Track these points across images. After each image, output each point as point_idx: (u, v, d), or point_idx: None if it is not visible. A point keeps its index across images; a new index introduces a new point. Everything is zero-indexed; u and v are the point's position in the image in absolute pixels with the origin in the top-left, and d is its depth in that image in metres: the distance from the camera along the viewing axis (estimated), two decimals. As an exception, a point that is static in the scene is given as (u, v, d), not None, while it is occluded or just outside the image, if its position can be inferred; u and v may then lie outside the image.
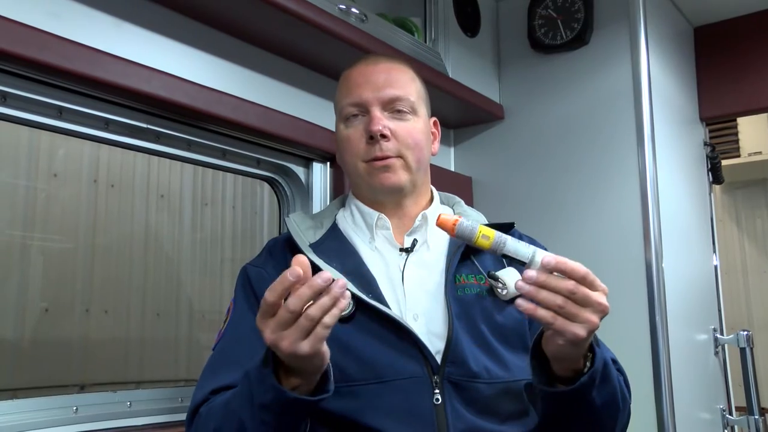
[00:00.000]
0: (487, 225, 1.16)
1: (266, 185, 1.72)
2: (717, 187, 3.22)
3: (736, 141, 3.65)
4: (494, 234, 0.89)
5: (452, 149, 2.18)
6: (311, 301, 0.80)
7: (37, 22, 1.09)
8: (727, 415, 2.06)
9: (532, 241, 1.23)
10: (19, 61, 1.07)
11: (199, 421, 0.98)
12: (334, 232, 1.16)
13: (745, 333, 2.03)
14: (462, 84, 1.92)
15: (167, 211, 2.82)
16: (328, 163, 1.68)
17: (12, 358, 2.30)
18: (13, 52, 1.04)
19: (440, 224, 0.90)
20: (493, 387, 1.02)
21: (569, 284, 0.84)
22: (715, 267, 2.21)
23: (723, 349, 2.12)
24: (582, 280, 0.85)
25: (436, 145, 1.23)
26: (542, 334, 0.93)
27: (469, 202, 1.46)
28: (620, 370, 1.09)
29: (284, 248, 1.15)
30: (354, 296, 1.01)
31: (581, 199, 1.91)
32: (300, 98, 1.63)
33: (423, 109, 1.17)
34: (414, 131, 1.13)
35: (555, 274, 0.85)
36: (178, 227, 2.87)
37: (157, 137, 1.38)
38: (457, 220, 0.89)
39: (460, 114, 2.06)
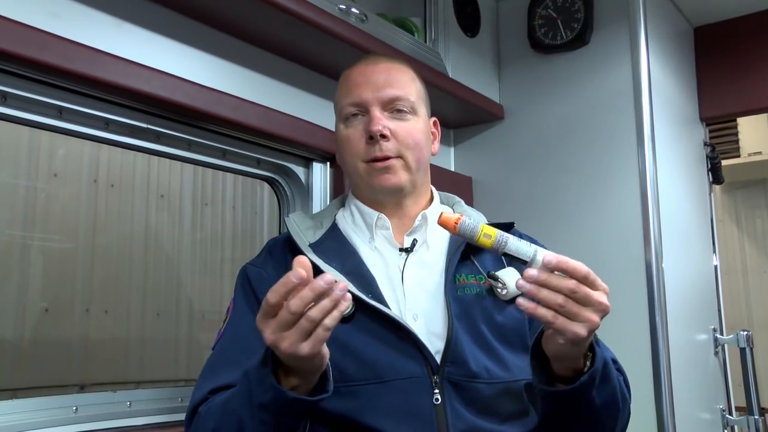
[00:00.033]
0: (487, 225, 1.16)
1: (266, 185, 1.72)
2: (717, 187, 3.22)
3: (736, 141, 3.65)
4: (496, 233, 0.89)
5: (452, 149, 2.18)
6: (311, 303, 0.81)
7: (38, 22, 1.09)
8: (727, 415, 2.06)
9: (532, 241, 1.22)
10: (19, 61, 1.07)
11: (198, 421, 0.98)
12: (334, 232, 1.16)
13: (745, 333, 2.03)
14: (462, 84, 1.92)
15: (167, 211, 2.82)
16: (328, 163, 1.68)
17: (12, 358, 2.30)
18: (14, 52, 1.04)
19: (442, 222, 0.90)
20: (493, 387, 1.02)
21: (570, 283, 0.84)
22: (715, 267, 2.21)
23: (723, 349, 2.12)
24: (583, 280, 0.85)
25: (436, 145, 1.23)
26: (542, 333, 0.93)
27: (469, 202, 1.46)
28: (620, 370, 1.09)
29: (284, 248, 1.15)
30: (354, 296, 1.01)
31: (581, 199, 1.91)
32: (300, 98, 1.63)
33: (423, 109, 1.17)
34: (414, 131, 1.13)
35: (556, 273, 0.85)
36: (178, 227, 2.87)
37: (157, 137, 1.38)
38: (459, 218, 0.89)
39: (460, 114, 2.07)
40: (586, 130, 1.93)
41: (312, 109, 1.62)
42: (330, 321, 0.81)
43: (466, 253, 1.11)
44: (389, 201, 1.15)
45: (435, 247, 1.13)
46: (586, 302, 0.85)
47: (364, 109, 1.12)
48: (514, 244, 0.89)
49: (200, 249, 2.95)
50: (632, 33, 1.88)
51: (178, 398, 1.38)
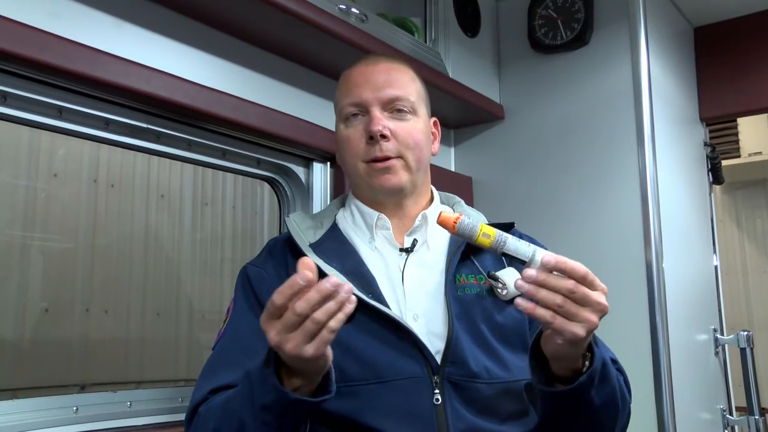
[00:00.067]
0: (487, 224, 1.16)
1: (266, 185, 1.72)
2: (717, 188, 3.22)
3: (737, 141, 3.65)
4: (495, 232, 0.89)
5: (452, 149, 2.18)
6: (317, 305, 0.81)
7: (38, 22, 1.09)
8: (728, 415, 2.06)
9: (532, 241, 1.22)
10: (19, 61, 1.07)
11: (198, 421, 0.98)
12: (334, 232, 1.16)
13: (746, 333, 2.03)
14: (462, 84, 1.92)
15: (167, 211, 2.82)
16: (329, 163, 1.68)
17: (12, 358, 2.30)
18: (14, 52, 1.04)
19: (441, 222, 0.90)
20: (493, 387, 1.02)
21: (569, 283, 0.84)
22: (716, 267, 2.21)
23: (723, 349, 2.12)
24: (582, 280, 0.85)
25: (436, 145, 1.23)
26: (541, 333, 0.93)
27: (469, 202, 1.46)
28: (620, 370, 1.09)
29: (284, 248, 1.15)
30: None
31: (581, 199, 1.90)
32: (300, 98, 1.63)
33: (423, 109, 1.17)
34: (414, 131, 1.13)
35: (555, 273, 0.85)
36: (178, 227, 2.87)
37: (158, 137, 1.38)
38: (458, 218, 0.89)
39: (460, 114, 2.07)
40: (586, 130, 1.93)
41: (312, 109, 1.62)
42: (335, 323, 0.81)
43: (466, 253, 1.11)
44: (389, 201, 1.15)
45: (435, 247, 1.13)
46: (584, 302, 0.85)
47: (364, 109, 1.12)
48: (513, 244, 0.89)
49: (200, 249, 2.95)
50: (632, 33, 1.88)
51: (178, 398, 1.38)
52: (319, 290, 0.79)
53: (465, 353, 1.01)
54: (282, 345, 0.81)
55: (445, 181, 1.88)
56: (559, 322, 0.84)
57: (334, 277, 0.81)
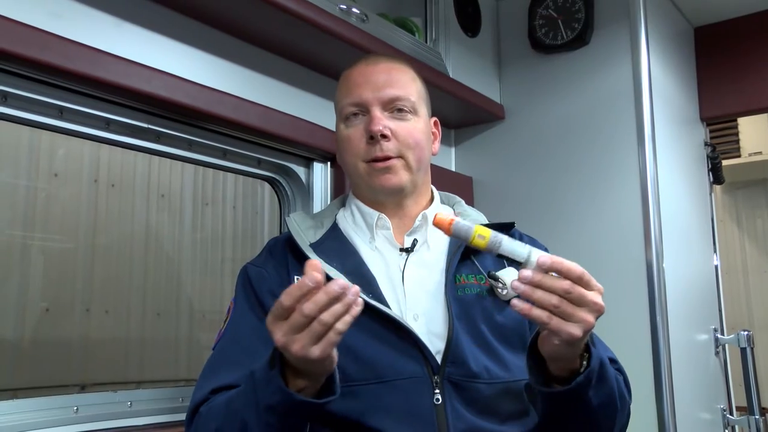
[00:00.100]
0: (487, 225, 1.16)
1: (267, 185, 1.72)
2: (717, 187, 3.22)
3: (737, 141, 3.64)
4: (490, 234, 0.88)
5: (453, 149, 2.18)
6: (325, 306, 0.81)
7: (38, 22, 1.09)
8: (728, 415, 2.06)
9: (532, 241, 1.23)
10: (20, 61, 1.07)
11: (199, 421, 0.98)
12: (335, 231, 1.16)
13: (746, 333, 2.03)
14: (462, 84, 1.92)
15: (168, 210, 2.82)
16: (329, 163, 1.68)
17: (12, 358, 2.30)
18: (14, 51, 1.04)
19: (437, 224, 0.90)
20: (494, 387, 1.02)
21: (565, 284, 0.84)
22: (716, 267, 2.21)
23: (723, 349, 2.12)
24: (578, 280, 0.85)
25: (437, 145, 1.23)
26: (538, 334, 0.93)
27: (470, 202, 1.46)
28: (620, 370, 1.09)
29: (285, 248, 1.15)
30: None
31: (582, 199, 1.91)
32: (300, 98, 1.63)
33: (423, 109, 1.17)
34: (414, 131, 1.13)
35: (551, 273, 0.85)
36: (178, 227, 2.87)
37: (158, 137, 1.38)
38: (453, 219, 0.89)
39: (460, 114, 2.07)
40: (587, 130, 1.93)
41: (312, 109, 1.62)
42: (342, 325, 0.81)
43: (466, 253, 1.11)
44: (390, 201, 1.15)
45: (435, 247, 1.13)
46: (580, 303, 0.85)
47: (364, 109, 1.12)
48: (509, 245, 0.88)
49: (201, 249, 2.94)
50: (633, 33, 1.88)
51: (178, 398, 1.38)
52: (327, 292, 0.80)
53: (465, 353, 1.01)
54: (288, 346, 0.81)
55: (445, 181, 1.88)
56: (556, 322, 0.84)
57: (343, 279, 0.81)
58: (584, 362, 0.93)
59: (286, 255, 1.13)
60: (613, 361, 1.10)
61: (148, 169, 2.76)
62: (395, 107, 1.12)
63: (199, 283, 2.93)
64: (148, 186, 2.74)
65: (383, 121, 1.10)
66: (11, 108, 1.15)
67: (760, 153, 3.60)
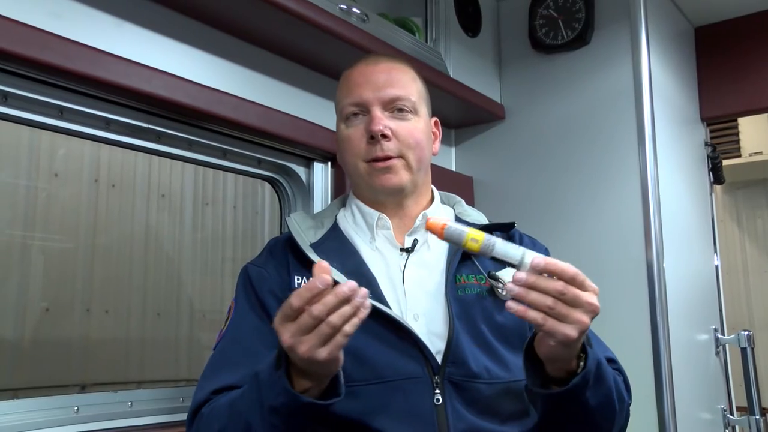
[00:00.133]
0: (487, 225, 1.16)
1: (267, 185, 1.72)
2: (718, 187, 3.22)
3: (737, 141, 3.64)
4: (483, 237, 0.87)
5: (453, 149, 2.18)
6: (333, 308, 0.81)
7: (38, 22, 1.09)
8: (728, 415, 2.06)
9: (533, 242, 1.23)
10: (20, 61, 1.07)
11: (201, 422, 0.98)
12: (335, 231, 1.16)
13: (746, 333, 2.03)
14: (463, 84, 1.92)
15: (168, 210, 2.82)
16: (329, 163, 1.68)
17: (12, 358, 2.30)
18: (14, 51, 1.04)
19: (429, 228, 0.89)
20: (494, 387, 1.02)
21: (558, 285, 0.84)
22: (716, 267, 2.21)
23: (724, 349, 2.12)
24: (572, 281, 0.84)
25: (437, 145, 1.23)
26: (535, 335, 0.92)
27: (470, 202, 1.46)
28: (619, 370, 1.09)
29: (285, 248, 1.15)
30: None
31: (582, 199, 1.90)
32: (301, 98, 1.63)
33: (424, 109, 1.17)
34: (415, 131, 1.13)
35: (545, 275, 0.85)
36: (178, 227, 2.87)
37: (158, 137, 1.38)
38: (445, 224, 0.88)
39: (461, 114, 2.06)
40: (587, 130, 1.93)
41: (313, 109, 1.62)
42: (350, 327, 0.81)
43: (466, 253, 1.11)
44: (390, 201, 1.15)
45: (436, 247, 1.13)
46: (575, 303, 0.84)
47: (364, 109, 1.12)
48: (502, 248, 0.87)
49: (201, 249, 2.95)
50: (633, 33, 1.88)
51: (179, 398, 1.38)
52: (336, 294, 0.80)
53: (465, 353, 1.01)
54: (296, 347, 0.81)
55: (445, 180, 1.88)
56: (551, 324, 0.84)
57: (352, 282, 0.81)
58: (581, 363, 0.93)
59: (286, 255, 1.13)
60: (613, 361, 1.10)
61: (149, 169, 2.76)
62: (396, 107, 1.12)
63: (199, 283, 2.94)
64: (149, 186, 2.74)
65: (384, 121, 1.10)
66: (11, 108, 1.15)
67: (761, 153, 3.59)
